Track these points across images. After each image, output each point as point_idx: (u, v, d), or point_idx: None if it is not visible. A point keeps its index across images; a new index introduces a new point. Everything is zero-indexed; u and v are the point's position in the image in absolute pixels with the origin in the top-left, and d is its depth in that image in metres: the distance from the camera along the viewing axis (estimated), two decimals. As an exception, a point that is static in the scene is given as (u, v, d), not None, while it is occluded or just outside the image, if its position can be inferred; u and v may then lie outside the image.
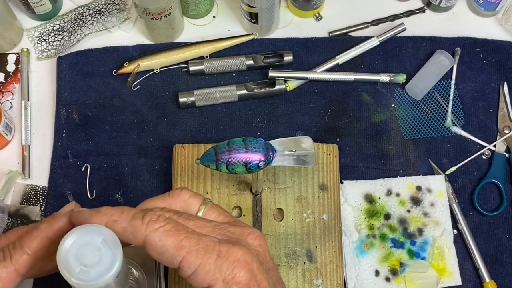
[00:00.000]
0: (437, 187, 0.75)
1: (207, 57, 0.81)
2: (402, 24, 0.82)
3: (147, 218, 0.46)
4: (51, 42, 0.82)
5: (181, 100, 0.77)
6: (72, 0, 0.85)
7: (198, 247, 0.45)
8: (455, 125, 0.78)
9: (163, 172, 0.76)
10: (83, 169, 0.76)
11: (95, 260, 0.44)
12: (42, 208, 0.74)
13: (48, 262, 0.52)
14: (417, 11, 0.85)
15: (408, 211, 0.74)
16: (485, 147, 0.77)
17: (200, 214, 0.51)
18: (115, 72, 0.80)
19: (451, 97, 0.79)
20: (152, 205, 0.51)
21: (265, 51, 0.81)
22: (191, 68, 0.79)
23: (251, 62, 0.80)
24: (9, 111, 0.79)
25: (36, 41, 0.82)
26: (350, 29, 0.84)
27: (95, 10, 0.83)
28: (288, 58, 0.80)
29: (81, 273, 0.43)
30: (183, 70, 0.81)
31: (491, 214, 0.74)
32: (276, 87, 0.78)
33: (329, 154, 0.74)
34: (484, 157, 0.77)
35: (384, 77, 0.79)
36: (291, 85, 0.79)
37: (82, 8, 0.83)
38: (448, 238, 0.73)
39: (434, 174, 0.76)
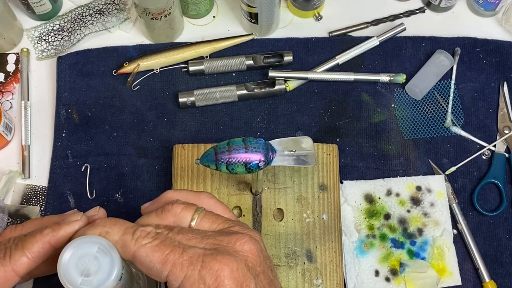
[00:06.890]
0: (437, 187, 0.75)
1: (207, 57, 0.81)
2: (402, 24, 0.82)
3: (137, 234, 0.48)
4: (51, 42, 0.82)
5: (181, 100, 0.77)
6: (72, 0, 0.85)
7: (182, 259, 0.46)
8: (455, 125, 0.78)
9: (163, 172, 0.76)
10: (83, 169, 0.76)
11: (95, 269, 0.46)
12: (42, 208, 0.74)
13: (51, 265, 0.52)
14: (417, 11, 0.85)
15: (408, 211, 0.74)
16: (485, 147, 0.77)
17: (193, 224, 0.51)
18: (115, 72, 0.80)
19: (451, 97, 0.79)
20: (147, 223, 0.52)
21: (265, 51, 0.81)
22: (191, 68, 0.79)
23: (251, 62, 0.80)
24: (9, 111, 0.79)
25: (36, 41, 0.82)
26: (350, 29, 0.83)
27: (95, 10, 0.83)
28: (288, 58, 0.80)
29: (83, 283, 0.45)
30: (183, 70, 0.81)
31: (491, 214, 0.74)
32: (276, 87, 0.78)
33: (329, 154, 0.74)
34: (484, 157, 0.77)
35: (384, 77, 0.79)
36: (291, 85, 0.79)
37: (82, 8, 0.83)
38: (448, 238, 0.73)
39: (434, 174, 0.76)
